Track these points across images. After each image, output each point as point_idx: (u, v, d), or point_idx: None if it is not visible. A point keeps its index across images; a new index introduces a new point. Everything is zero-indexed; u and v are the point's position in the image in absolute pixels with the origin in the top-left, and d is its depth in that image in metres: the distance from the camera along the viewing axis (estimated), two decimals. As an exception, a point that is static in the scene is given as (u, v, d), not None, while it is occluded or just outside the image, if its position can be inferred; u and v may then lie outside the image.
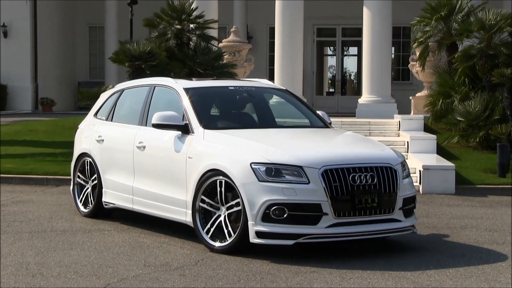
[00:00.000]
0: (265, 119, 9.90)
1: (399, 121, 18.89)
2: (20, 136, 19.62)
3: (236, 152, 8.30)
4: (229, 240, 8.18)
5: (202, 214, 8.49)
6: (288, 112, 10.35)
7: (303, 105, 10.31)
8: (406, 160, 9.62)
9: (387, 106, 21.95)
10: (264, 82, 10.62)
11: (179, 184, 8.86)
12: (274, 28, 23.17)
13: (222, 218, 8.30)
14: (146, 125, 9.74)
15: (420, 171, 14.32)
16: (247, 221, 7.97)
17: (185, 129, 9.01)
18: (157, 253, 8.29)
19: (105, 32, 31.71)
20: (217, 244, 8.27)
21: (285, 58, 22.40)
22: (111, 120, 10.73)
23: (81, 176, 10.95)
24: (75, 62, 32.98)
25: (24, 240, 8.93)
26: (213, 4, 23.22)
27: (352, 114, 22.74)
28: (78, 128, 11.48)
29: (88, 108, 12.70)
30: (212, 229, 8.36)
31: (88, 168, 10.77)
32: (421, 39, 20.02)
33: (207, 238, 8.39)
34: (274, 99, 10.63)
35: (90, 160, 10.66)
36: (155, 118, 9.09)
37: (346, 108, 27.94)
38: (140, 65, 17.98)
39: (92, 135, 10.77)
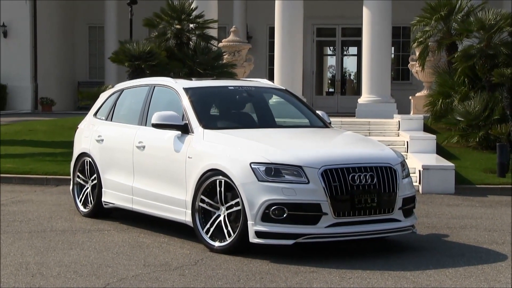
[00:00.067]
0: (265, 119, 9.90)
1: (399, 121, 18.89)
2: (19, 136, 19.62)
3: (236, 152, 8.30)
4: (229, 240, 8.18)
5: (202, 214, 8.49)
6: (287, 112, 10.35)
7: (302, 105, 10.31)
8: (405, 160, 9.62)
9: (387, 106, 21.95)
10: (264, 82, 10.62)
11: (179, 184, 8.86)
12: (274, 28, 23.18)
13: (221, 218, 8.30)
14: (145, 125, 9.74)
15: (419, 171, 14.32)
16: (247, 221, 7.97)
17: (185, 129, 9.00)
18: (156, 253, 8.29)
19: (104, 32, 31.70)
20: (217, 244, 8.27)
21: (285, 58, 22.40)
22: (111, 120, 10.73)
23: (80, 176, 10.94)
24: (74, 62, 32.98)
25: (23, 240, 8.93)
26: (212, 4, 23.23)
27: (352, 114, 22.74)
28: (77, 128, 11.48)
29: (87, 108, 12.70)
30: (211, 229, 8.36)
31: (87, 168, 10.76)
32: (421, 39, 20.01)
33: (206, 238, 8.38)
34: (274, 99, 10.62)
35: (90, 160, 10.66)
36: (154, 118, 9.09)
37: (345, 108, 27.93)
38: (139, 65, 17.98)
39: (91, 135, 10.76)
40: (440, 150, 16.71)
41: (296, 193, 7.86)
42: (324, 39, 32.39)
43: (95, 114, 11.16)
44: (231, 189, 8.21)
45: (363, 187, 8.05)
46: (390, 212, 8.27)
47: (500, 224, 10.63)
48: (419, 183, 14.20)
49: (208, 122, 9.09)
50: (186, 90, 9.48)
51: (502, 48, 17.92)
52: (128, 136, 9.95)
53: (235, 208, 8.16)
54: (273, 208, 7.86)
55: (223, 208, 8.31)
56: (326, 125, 9.96)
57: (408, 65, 23.32)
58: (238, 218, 8.11)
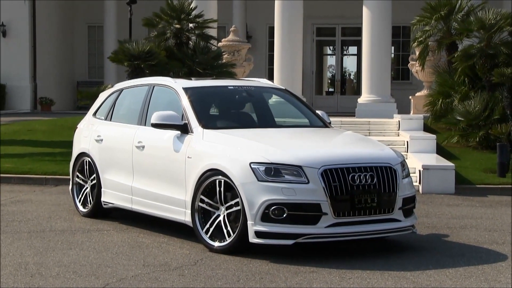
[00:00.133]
0: (265, 119, 9.88)
1: (399, 121, 18.88)
2: (19, 135, 19.60)
3: (236, 151, 8.28)
4: (229, 240, 8.16)
5: (201, 214, 8.48)
6: (287, 111, 10.34)
7: (302, 104, 10.29)
8: (405, 160, 9.60)
9: (387, 105, 21.94)
10: (264, 82, 10.60)
11: (178, 184, 8.84)
12: (273, 27, 23.17)
13: (221, 218, 8.28)
14: (145, 125, 9.73)
15: (419, 171, 14.30)
16: (247, 221, 7.95)
17: (184, 129, 8.99)
18: (156, 253, 8.27)
19: (104, 31, 31.69)
20: (216, 244, 8.25)
21: (285, 57, 22.39)
22: (110, 120, 10.72)
23: (80, 175, 10.93)
24: (74, 61, 32.96)
25: (23, 240, 8.91)
26: (212, 3, 23.21)
27: (352, 114, 22.72)
28: (77, 127, 11.46)
29: (87, 108, 12.67)
30: (211, 229, 8.35)
31: (87, 167, 10.75)
32: (421, 38, 20.00)
33: (206, 238, 8.37)
34: (274, 99, 10.61)
35: (89, 159, 10.64)
36: (154, 118, 9.08)
37: (345, 107, 27.93)
38: (139, 64, 17.97)
39: (91, 134, 10.75)
40: (440, 150, 16.70)
41: (296, 193, 7.84)
42: (324, 39, 32.38)
43: (95, 114, 11.14)
44: (230, 189, 8.19)
45: (363, 187, 8.03)
46: (390, 212, 8.25)
47: (500, 224, 10.62)
48: (419, 183, 14.19)
49: (207, 122, 9.07)
50: (186, 89, 9.46)
51: (502, 48, 17.91)
52: (127, 136, 9.93)
53: (234, 208, 8.15)
54: (273, 208, 7.84)
55: (222, 208, 8.30)
56: (326, 125, 9.94)
57: (408, 65, 23.30)
58: (237, 218, 8.10)
